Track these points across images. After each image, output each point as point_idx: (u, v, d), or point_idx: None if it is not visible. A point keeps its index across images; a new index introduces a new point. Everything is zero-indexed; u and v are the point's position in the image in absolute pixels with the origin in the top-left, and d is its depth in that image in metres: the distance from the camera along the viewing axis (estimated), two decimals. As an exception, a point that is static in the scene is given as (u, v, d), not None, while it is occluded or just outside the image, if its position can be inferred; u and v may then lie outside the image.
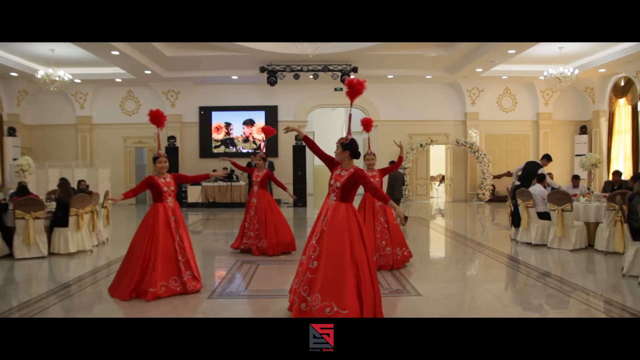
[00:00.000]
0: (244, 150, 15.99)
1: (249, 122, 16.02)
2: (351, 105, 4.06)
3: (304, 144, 14.11)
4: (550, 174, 9.11)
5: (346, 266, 3.70)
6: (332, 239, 3.78)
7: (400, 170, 10.81)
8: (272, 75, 13.38)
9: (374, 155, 6.36)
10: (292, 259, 6.88)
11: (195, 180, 5.88)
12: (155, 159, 5.17)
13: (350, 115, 4.21)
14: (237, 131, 16.06)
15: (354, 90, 3.94)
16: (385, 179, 7.27)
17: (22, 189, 7.33)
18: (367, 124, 6.22)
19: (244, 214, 7.47)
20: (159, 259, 4.84)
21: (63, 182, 7.51)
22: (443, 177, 17.48)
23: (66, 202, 7.22)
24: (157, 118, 5.13)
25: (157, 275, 4.79)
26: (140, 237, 4.97)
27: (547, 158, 8.79)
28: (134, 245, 5.00)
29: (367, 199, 6.22)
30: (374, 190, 3.91)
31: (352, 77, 3.83)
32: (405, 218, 10.21)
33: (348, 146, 3.94)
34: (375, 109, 15.97)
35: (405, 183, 15.39)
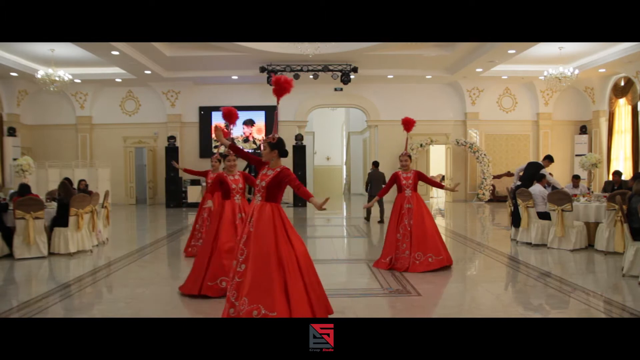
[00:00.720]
0: (244, 150, 15.98)
1: (249, 122, 16.02)
2: (277, 103, 3.95)
3: (303, 144, 14.05)
4: (550, 174, 9.11)
5: (273, 267, 3.63)
6: (258, 241, 3.71)
7: (380, 171, 11.19)
8: (272, 75, 13.38)
9: (409, 156, 6.37)
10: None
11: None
12: (225, 157, 5.32)
13: (276, 114, 4.09)
14: (237, 131, 16.06)
15: (281, 88, 3.83)
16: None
17: (23, 188, 7.32)
18: (408, 124, 6.22)
19: (196, 217, 7.20)
20: (218, 255, 4.89)
21: (64, 183, 7.51)
22: (443, 177, 17.49)
23: (67, 202, 7.22)
24: (229, 116, 5.19)
25: (216, 270, 4.84)
26: (209, 234, 5.08)
27: (549, 159, 8.79)
28: (204, 242, 5.12)
29: (397, 201, 6.25)
30: (297, 187, 3.82)
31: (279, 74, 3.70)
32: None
33: (276, 145, 3.88)
34: (375, 109, 15.98)
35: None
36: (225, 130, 7.15)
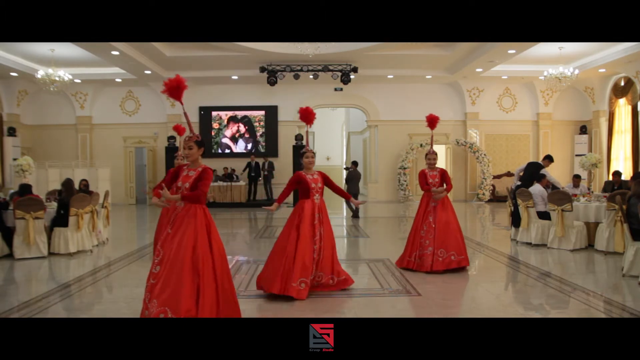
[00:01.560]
0: (244, 150, 16.00)
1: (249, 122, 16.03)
2: (181, 103, 3.95)
3: (303, 144, 14.15)
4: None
5: (185, 271, 3.61)
6: (174, 244, 3.69)
7: (358, 170, 12.01)
8: (272, 75, 13.38)
9: (436, 154, 6.29)
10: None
11: (338, 193, 5.61)
12: (302, 154, 5.24)
13: (185, 114, 4.14)
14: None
15: (175, 92, 3.86)
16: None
17: (24, 188, 7.29)
18: (432, 121, 6.16)
19: (159, 219, 6.20)
20: (299, 255, 4.80)
21: (67, 182, 7.51)
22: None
23: (68, 201, 7.22)
24: (307, 116, 5.17)
25: (297, 271, 4.76)
26: (287, 233, 4.96)
27: (549, 159, 8.79)
28: (281, 241, 4.99)
29: (423, 198, 6.22)
30: (199, 186, 3.83)
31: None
32: (357, 212, 11.99)
33: (202, 143, 3.97)
34: (375, 109, 15.98)
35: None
36: (183, 127, 6.90)
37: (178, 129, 6.83)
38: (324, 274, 5.03)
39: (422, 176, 6.24)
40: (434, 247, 5.94)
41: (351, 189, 11.76)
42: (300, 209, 5.01)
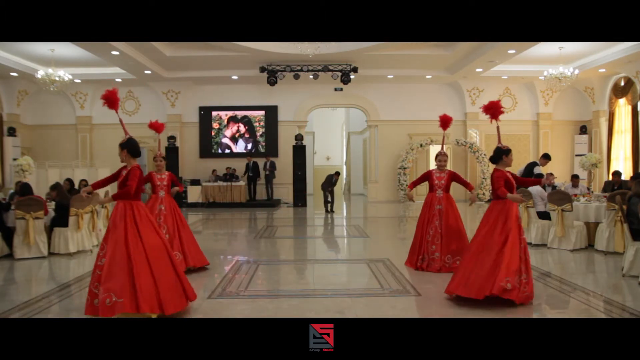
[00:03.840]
0: (244, 150, 15.99)
1: (249, 122, 16.02)
2: (117, 112, 4.53)
3: (303, 144, 14.28)
4: (551, 174, 9.11)
5: (123, 261, 4.02)
6: (113, 238, 4.09)
7: (333, 174, 13.34)
8: (272, 75, 13.38)
9: (446, 155, 6.22)
10: (286, 260, 6.83)
11: (526, 184, 5.72)
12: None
13: (121, 120, 4.63)
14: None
15: (112, 104, 4.40)
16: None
17: (25, 189, 7.26)
18: (445, 122, 6.12)
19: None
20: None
21: (56, 185, 7.51)
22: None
23: (64, 203, 7.23)
24: (494, 110, 5.24)
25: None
26: (479, 234, 4.86)
27: (546, 157, 8.82)
28: (478, 242, 4.87)
29: (427, 199, 6.16)
30: (128, 185, 4.25)
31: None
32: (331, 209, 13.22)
33: (125, 145, 4.36)
34: (375, 109, 15.98)
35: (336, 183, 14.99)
36: (161, 123, 6.59)
37: (155, 127, 6.34)
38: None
39: (423, 176, 6.25)
40: (440, 253, 5.94)
41: (325, 188, 13.04)
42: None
